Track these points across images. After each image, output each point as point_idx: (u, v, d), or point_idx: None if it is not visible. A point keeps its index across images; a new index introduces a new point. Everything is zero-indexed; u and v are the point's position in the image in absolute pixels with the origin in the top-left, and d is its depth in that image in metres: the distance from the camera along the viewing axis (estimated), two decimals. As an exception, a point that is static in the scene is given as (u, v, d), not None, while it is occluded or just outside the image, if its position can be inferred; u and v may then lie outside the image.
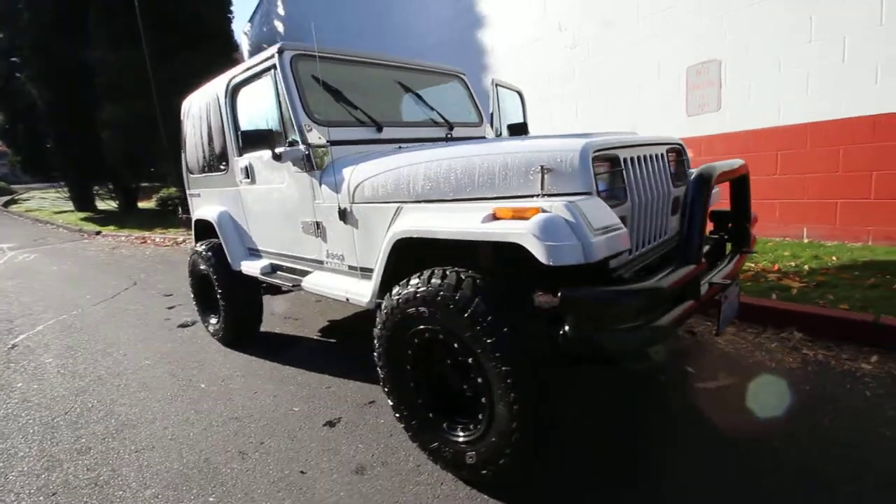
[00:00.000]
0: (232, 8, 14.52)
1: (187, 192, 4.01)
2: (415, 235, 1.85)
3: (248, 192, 3.11)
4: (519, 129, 3.56)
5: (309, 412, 2.52)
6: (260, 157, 2.90)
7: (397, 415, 2.02)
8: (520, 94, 3.76)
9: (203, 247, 3.55)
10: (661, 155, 2.05)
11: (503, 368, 1.53)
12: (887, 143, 3.57)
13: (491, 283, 1.64)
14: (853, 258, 3.59)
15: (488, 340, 1.55)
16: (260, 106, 2.95)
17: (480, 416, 1.71)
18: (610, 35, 5.25)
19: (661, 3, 4.75)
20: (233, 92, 3.10)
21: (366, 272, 2.33)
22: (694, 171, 1.69)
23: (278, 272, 3.02)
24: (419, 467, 1.97)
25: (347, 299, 2.32)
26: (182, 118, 3.85)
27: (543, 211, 1.48)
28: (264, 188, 2.93)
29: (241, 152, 3.10)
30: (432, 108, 3.18)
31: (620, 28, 5.15)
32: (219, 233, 3.38)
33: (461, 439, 1.78)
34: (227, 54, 14.12)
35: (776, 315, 2.89)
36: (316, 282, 2.59)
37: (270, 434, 2.34)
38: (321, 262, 2.62)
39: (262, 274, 3.04)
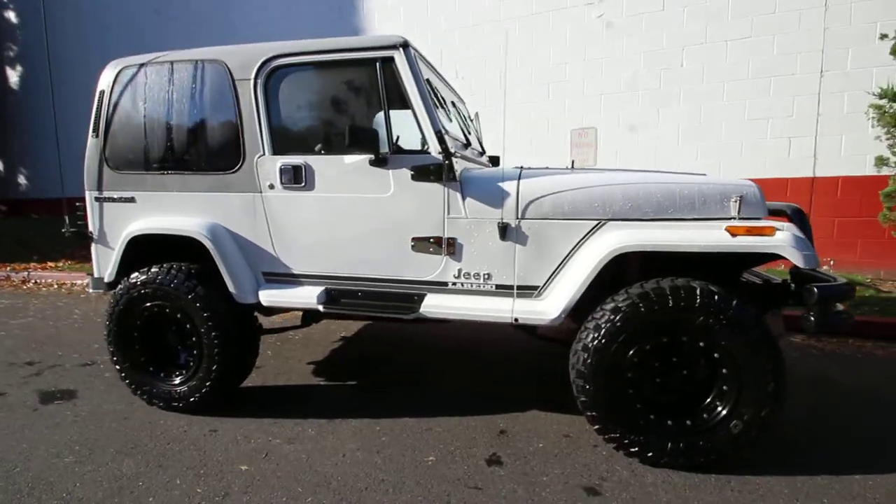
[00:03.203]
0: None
1: (92, 194, 2.72)
2: (647, 249, 2.01)
3: (291, 201, 2.43)
4: (495, 161, 3.93)
5: (449, 458, 2.17)
6: (332, 160, 2.38)
7: (610, 425, 2.05)
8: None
9: (173, 272, 2.48)
10: None
11: (765, 353, 1.89)
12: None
13: (726, 289, 1.98)
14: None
15: (751, 333, 1.89)
16: (325, 99, 2.46)
17: (719, 405, 1.98)
18: (505, 92, 6.17)
19: (552, 75, 5.95)
20: (270, 75, 2.43)
21: (525, 290, 2.25)
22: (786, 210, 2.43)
23: (343, 301, 2.45)
24: (636, 473, 2.05)
25: (516, 319, 2.18)
26: (107, 89, 2.65)
27: (778, 230, 1.95)
28: (336, 197, 2.38)
29: (281, 150, 2.44)
30: (469, 132, 3.23)
31: (515, 87, 6.14)
32: (216, 253, 2.46)
33: (696, 429, 2.00)
34: None
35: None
36: (447, 305, 2.28)
37: (445, 492, 1.93)
38: (444, 284, 2.33)
39: (322, 305, 2.40)
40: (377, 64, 2.30)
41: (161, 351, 2.65)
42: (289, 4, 7.38)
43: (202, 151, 2.57)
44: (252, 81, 2.43)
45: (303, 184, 2.41)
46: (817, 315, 1.90)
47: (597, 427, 2.09)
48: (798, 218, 2.32)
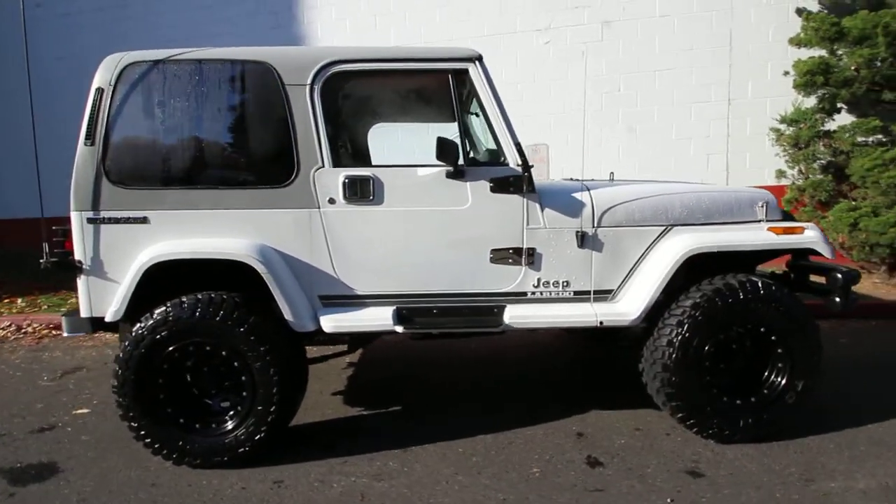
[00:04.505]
0: None
1: (83, 214, 2.23)
2: (711, 250, 2.27)
3: (356, 216, 2.26)
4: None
5: (552, 467, 2.18)
6: (404, 172, 2.29)
7: (692, 412, 2.24)
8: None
9: (217, 303, 2.13)
10: None
11: (810, 331, 2.25)
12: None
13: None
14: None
15: (800, 316, 2.24)
16: (388, 109, 2.36)
17: (777, 380, 2.30)
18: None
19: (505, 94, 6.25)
20: (329, 82, 2.26)
21: (600, 294, 2.37)
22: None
23: (417, 320, 2.33)
24: (716, 451, 2.26)
25: (601, 322, 2.28)
26: (106, 87, 2.21)
27: (806, 229, 2.35)
28: (409, 210, 2.27)
29: (342, 162, 2.28)
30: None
31: (469, 105, 6.34)
32: (270, 278, 2.17)
33: (760, 405, 2.28)
34: None
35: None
36: (532, 314, 2.30)
37: (574, 499, 1.95)
38: (523, 294, 2.35)
39: (401, 326, 2.25)
40: (449, 76, 2.28)
41: (188, 398, 2.24)
42: (212, 6, 6.73)
43: (243, 164, 2.27)
44: (308, 87, 2.22)
45: (370, 198, 2.26)
46: (842, 297, 2.32)
47: (680, 415, 2.28)
48: (789, 219, 2.81)
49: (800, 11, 5.02)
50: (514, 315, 2.31)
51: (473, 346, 3.75)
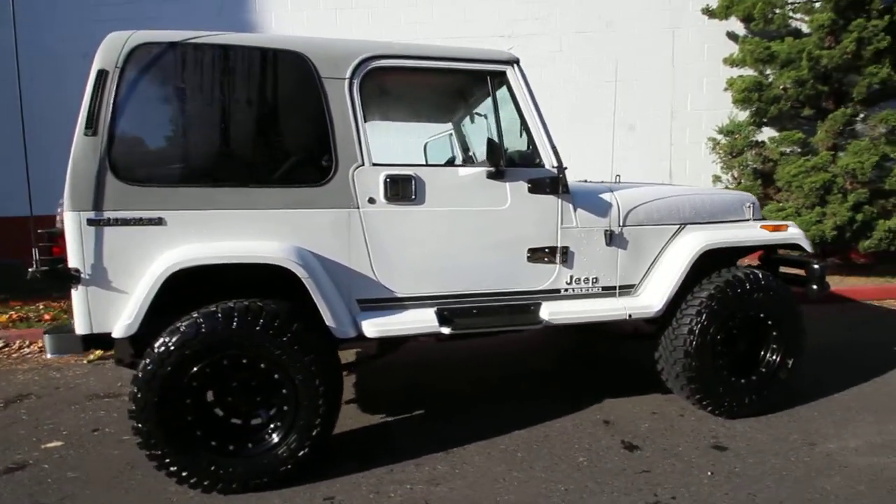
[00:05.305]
0: None
1: (83, 215, 1.94)
2: (722, 246, 2.51)
3: (398, 216, 2.20)
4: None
5: (595, 454, 2.28)
6: (445, 172, 2.29)
7: (707, 393, 2.47)
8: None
9: (254, 311, 1.94)
10: None
11: (798, 315, 2.57)
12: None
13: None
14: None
15: (789, 302, 2.56)
16: (421, 107, 2.32)
17: (772, 359, 2.60)
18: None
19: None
20: (368, 77, 2.18)
21: (624, 289, 2.52)
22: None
23: (458, 321, 2.31)
24: (727, 426, 2.50)
25: (630, 315, 2.43)
26: (112, 70, 1.94)
27: (790, 226, 2.70)
28: (451, 211, 2.26)
29: (381, 160, 2.20)
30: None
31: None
32: (311, 283, 2.04)
33: (762, 382, 2.57)
34: None
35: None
36: (567, 310, 2.38)
37: (629, 482, 2.06)
38: (556, 291, 2.43)
39: (447, 328, 2.22)
40: (488, 77, 2.30)
41: (214, 418, 2.04)
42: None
43: (275, 161, 2.11)
44: (347, 82, 2.12)
45: (412, 197, 2.20)
46: (818, 285, 2.69)
47: (697, 396, 2.49)
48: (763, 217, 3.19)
49: (732, 36, 5.70)
50: (552, 311, 2.38)
51: (466, 347, 3.78)
